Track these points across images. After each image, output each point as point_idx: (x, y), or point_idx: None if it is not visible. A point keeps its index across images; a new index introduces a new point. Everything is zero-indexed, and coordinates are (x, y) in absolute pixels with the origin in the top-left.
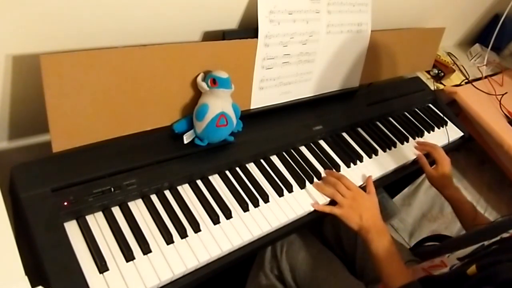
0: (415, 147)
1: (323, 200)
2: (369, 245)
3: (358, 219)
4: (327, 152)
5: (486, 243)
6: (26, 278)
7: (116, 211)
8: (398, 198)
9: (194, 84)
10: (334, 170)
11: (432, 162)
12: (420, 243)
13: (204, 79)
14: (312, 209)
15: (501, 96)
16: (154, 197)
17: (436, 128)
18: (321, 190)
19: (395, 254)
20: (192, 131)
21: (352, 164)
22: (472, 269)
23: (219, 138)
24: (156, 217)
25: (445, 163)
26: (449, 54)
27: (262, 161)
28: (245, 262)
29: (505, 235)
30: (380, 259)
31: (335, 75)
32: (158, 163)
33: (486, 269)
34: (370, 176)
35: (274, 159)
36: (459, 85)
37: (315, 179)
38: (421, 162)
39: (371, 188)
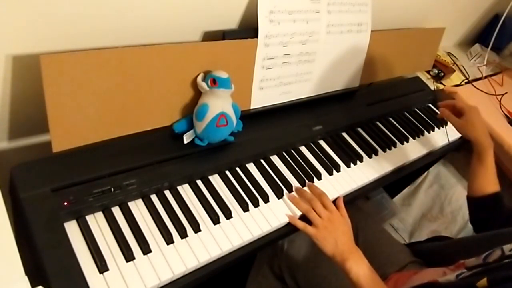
0: (439, 105)
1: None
2: (348, 274)
3: (333, 244)
4: (327, 152)
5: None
6: (26, 278)
7: (116, 211)
8: (398, 198)
9: (194, 84)
10: (334, 170)
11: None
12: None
13: (204, 79)
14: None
15: (501, 96)
16: (154, 197)
17: (436, 128)
18: (296, 204)
19: (376, 280)
20: (192, 131)
21: (352, 164)
22: (483, 282)
23: (219, 138)
24: (156, 217)
25: (470, 110)
26: (449, 54)
27: (262, 161)
28: (245, 262)
29: None
30: (362, 287)
31: (335, 75)
32: (158, 163)
33: (498, 284)
34: (340, 197)
35: (274, 159)
36: (459, 85)
37: (315, 179)
38: (445, 116)
39: (344, 211)
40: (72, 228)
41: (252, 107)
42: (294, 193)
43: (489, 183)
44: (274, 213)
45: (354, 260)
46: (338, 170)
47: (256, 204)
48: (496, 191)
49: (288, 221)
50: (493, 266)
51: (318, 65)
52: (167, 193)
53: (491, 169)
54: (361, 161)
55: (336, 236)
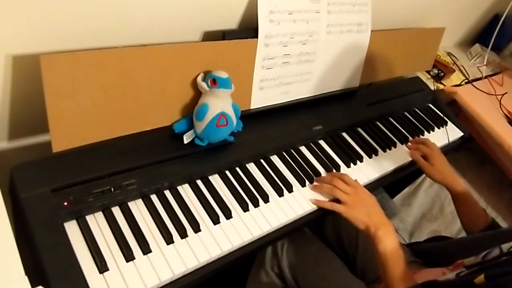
0: (408, 147)
1: (325, 197)
2: (377, 244)
3: (366, 216)
4: (327, 152)
5: (502, 247)
6: (26, 278)
7: (116, 211)
8: (398, 198)
9: (194, 84)
10: (334, 170)
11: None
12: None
13: (204, 79)
14: (312, 209)
15: (501, 96)
16: (154, 197)
17: (436, 128)
18: (318, 189)
19: (401, 256)
20: (192, 131)
21: (352, 164)
22: (480, 278)
23: (219, 138)
24: (156, 217)
25: (435, 154)
26: (449, 54)
27: (262, 161)
28: (245, 262)
29: None
30: (386, 259)
31: (335, 75)
32: (158, 163)
33: (494, 279)
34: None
35: (274, 159)
36: (459, 85)
37: (315, 179)
38: (414, 158)
39: (365, 189)
40: (72, 228)
41: (252, 107)
42: (313, 183)
43: (478, 218)
44: (274, 213)
45: (385, 232)
46: (338, 170)
47: (256, 204)
48: (489, 223)
49: (289, 221)
50: (491, 263)
51: (318, 65)
52: (167, 193)
53: (473, 204)
54: (361, 161)
55: (367, 208)
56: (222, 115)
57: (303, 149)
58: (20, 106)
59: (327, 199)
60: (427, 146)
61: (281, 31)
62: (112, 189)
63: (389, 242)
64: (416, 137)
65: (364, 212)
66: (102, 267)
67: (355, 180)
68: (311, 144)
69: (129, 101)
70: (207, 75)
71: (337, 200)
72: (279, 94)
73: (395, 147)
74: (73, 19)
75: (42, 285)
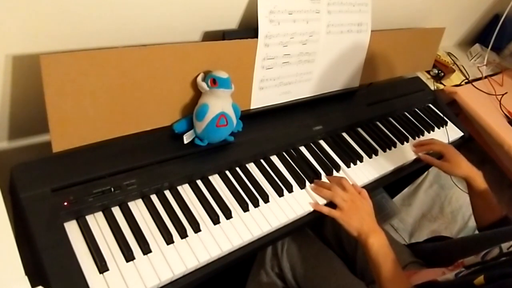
0: (414, 151)
1: (323, 200)
2: (368, 251)
3: (359, 223)
4: (327, 152)
5: (502, 246)
6: (26, 278)
7: (116, 211)
8: (398, 198)
9: (194, 84)
10: (334, 170)
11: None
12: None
13: (204, 79)
14: (312, 209)
15: (501, 96)
16: (154, 197)
17: (436, 128)
18: (318, 192)
19: (394, 262)
20: (192, 131)
21: (352, 164)
22: (480, 279)
23: (219, 138)
24: (156, 217)
25: (449, 149)
26: (449, 54)
27: (262, 161)
28: (245, 262)
29: None
30: (379, 265)
31: (335, 75)
32: (158, 163)
33: (494, 281)
34: (355, 183)
35: (274, 159)
36: (459, 85)
37: (315, 179)
38: (427, 161)
39: (365, 193)
40: (72, 228)
41: (252, 107)
42: (313, 184)
43: (493, 211)
44: (274, 213)
45: (376, 239)
46: (338, 170)
47: (256, 204)
48: (503, 215)
49: (289, 221)
50: (490, 264)
51: (318, 65)
52: (167, 193)
53: (489, 196)
54: (361, 161)
55: (361, 216)
56: (222, 115)
57: (303, 149)
58: (20, 106)
59: (325, 202)
60: (437, 144)
61: (281, 31)
62: (112, 189)
63: (380, 249)
64: (418, 139)
65: (357, 219)
66: (102, 267)
67: (353, 185)
68: (311, 144)
69: (129, 101)
70: (207, 75)
71: (334, 205)
72: (279, 94)
73: (395, 147)
74: (73, 19)
75: (42, 285)
